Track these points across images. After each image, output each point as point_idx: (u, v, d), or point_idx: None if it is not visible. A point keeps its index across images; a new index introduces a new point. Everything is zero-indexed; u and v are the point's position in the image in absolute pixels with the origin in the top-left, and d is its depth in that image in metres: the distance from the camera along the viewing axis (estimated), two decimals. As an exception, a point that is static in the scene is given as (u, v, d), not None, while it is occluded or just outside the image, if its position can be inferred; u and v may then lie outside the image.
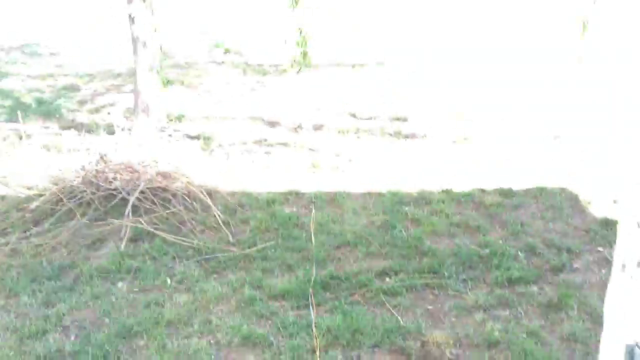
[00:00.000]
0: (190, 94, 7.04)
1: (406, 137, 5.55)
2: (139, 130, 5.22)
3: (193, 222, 4.01)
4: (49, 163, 4.88)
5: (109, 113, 6.33)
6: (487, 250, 3.62)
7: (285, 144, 5.46)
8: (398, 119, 6.00)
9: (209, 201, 4.21)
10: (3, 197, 4.39)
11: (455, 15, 10.55)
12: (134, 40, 5.23)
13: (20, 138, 5.30)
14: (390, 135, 5.61)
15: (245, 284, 3.31)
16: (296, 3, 4.07)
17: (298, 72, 5.07)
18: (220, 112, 6.34)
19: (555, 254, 3.60)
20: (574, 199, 4.33)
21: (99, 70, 8.08)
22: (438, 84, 7.10)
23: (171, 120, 6.03)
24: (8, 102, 6.81)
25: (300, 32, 4.44)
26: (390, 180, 4.67)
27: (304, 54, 4.67)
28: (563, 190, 4.47)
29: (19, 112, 5.46)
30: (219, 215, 4.06)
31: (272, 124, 6.02)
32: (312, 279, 3.31)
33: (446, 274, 3.38)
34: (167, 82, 7.02)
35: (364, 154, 5.20)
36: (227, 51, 8.79)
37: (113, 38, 9.66)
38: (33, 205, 4.07)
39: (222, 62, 8.29)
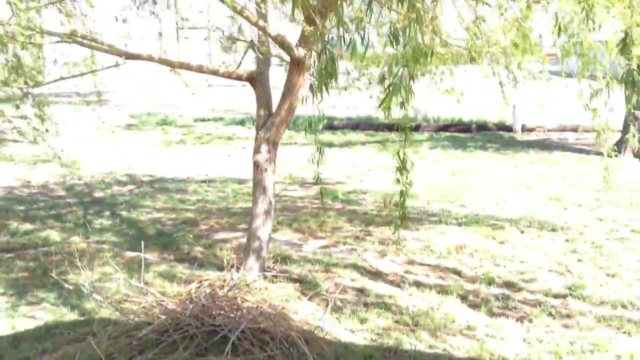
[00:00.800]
0: (297, 237, 7.31)
1: (515, 307, 5.29)
2: (247, 269, 5.44)
3: (288, 369, 3.98)
4: (162, 292, 5.15)
5: (220, 249, 6.70)
6: None
7: (384, 297, 5.42)
8: (509, 285, 5.78)
9: (305, 349, 4.19)
10: (116, 322, 4.64)
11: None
12: (255, 185, 5.65)
13: (140, 266, 5.69)
14: (497, 299, 5.39)
15: None
16: (403, 169, 4.14)
17: (394, 232, 5.07)
18: (333, 259, 6.46)
19: None
20: None
21: (218, 207, 8.68)
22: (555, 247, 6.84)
23: (277, 261, 6.25)
24: (133, 232, 7.44)
25: (401, 194, 4.35)
26: (492, 348, 4.42)
27: (402, 217, 4.53)
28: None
29: (142, 242, 5.91)
30: (314, 366, 4.01)
31: (374, 276, 6.03)
32: None
33: None
34: (277, 224, 7.39)
35: (466, 317, 5.01)
36: (335, 199, 9.15)
37: (233, 177, 10.48)
38: (141, 333, 4.27)
39: (330, 208, 8.60)
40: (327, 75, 3.42)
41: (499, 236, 7.18)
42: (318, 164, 4.61)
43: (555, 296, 5.52)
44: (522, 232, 7.39)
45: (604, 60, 4.36)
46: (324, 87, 3.50)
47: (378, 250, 6.77)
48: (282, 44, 5.10)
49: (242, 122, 17.43)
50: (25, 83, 5.28)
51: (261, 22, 5.04)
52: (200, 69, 5.48)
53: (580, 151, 12.29)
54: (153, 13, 7.01)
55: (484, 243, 6.96)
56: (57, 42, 5.51)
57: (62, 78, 6.02)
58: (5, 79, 5.07)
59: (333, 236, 7.30)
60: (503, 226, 7.58)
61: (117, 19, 6.72)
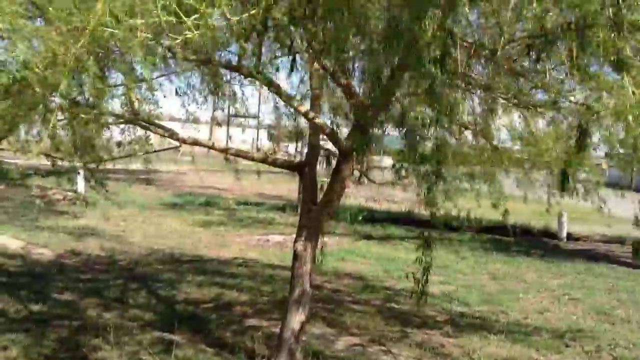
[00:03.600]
0: (330, 331, 7.12)
1: None
2: (277, 361, 5.29)
3: None
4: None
5: (252, 337, 6.56)
6: None
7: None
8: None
9: None
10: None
11: None
12: (293, 274, 5.59)
13: (170, 348, 5.63)
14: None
15: None
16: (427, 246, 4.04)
17: (417, 304, 4.95)
18: (366, 359, 6.23)
19: None
20: None
21: (253, 292, 8.59)
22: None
23: (308, 355, 6.06)
24: (167, 311, 7.41)
25: (421, 262, 4.32)
26: None
27: (421, 293, 4.45)
28: None
29: (175, 324, 5.88)
30: None
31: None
32: None
33: None
34: (311, 316, 7.23)
35: None
36: (372, 294, 8.96)
37: (270, 263, 10.46)
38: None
39: (367, 303, 8.41)
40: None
41: (543, 348, 6.83)
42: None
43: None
44: (567, 346, 7.01)
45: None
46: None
47: (414, 354, 6.50)
48: (332, 136, 5.22)
49: (282, 208, 17.67)
50: (84, 159, 5.53)
51: (313, 115, 5.20)
52: (251, 157, 5.65)
53: (627, 264, 11.83)
54: (206, 100, 7.36)
55: (526, 354, 6.62)
56: (119, 123, 5.82)
57: (120, 157, 6.30)
58: (69, 153, 5.32)
59: (368, 334, 7.08)
60: (546, 338, 7.22)
61: (177, 93, 7.06)
